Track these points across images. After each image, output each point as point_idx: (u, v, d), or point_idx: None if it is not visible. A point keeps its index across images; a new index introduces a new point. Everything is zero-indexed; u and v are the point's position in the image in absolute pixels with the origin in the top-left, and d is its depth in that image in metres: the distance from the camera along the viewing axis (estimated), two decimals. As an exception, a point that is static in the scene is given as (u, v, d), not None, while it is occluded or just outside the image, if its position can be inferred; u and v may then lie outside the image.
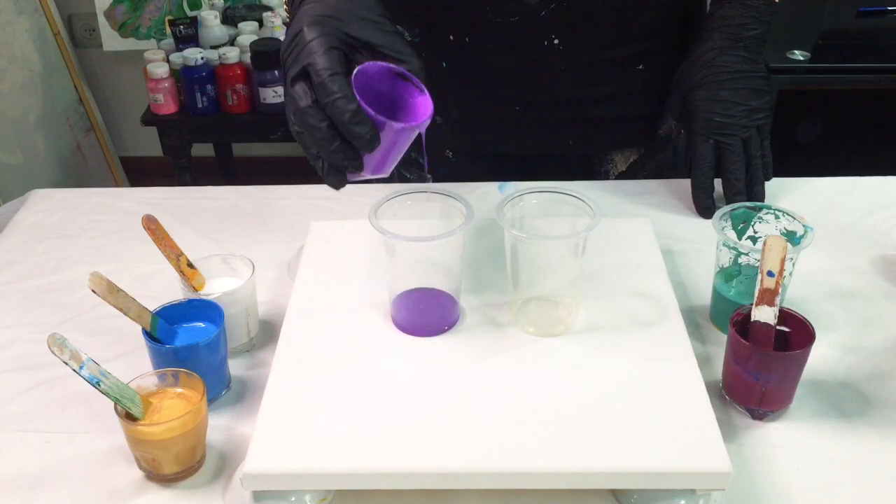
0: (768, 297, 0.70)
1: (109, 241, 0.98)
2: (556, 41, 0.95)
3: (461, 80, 1.01)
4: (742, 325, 0.72)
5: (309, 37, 0.69)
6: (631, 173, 1.09)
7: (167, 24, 2.31)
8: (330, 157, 0.69)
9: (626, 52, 0.99)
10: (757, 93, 0.96)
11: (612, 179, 1.09)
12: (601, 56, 0.98)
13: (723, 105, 0.95)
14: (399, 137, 0.69)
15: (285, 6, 0.78)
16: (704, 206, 0.98)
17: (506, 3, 0.93)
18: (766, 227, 0.82)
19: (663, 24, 0.99)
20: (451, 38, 0.98)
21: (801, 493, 0.67)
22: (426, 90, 0.71)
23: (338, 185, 0.71)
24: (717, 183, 0.99)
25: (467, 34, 0.97)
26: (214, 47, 2.18)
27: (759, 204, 0.83)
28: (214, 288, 0.80)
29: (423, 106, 0.71)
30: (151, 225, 0.78)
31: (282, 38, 2.15)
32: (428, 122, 0.69)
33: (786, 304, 0.74)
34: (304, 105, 0.68)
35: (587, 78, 0.99)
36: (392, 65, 0.71)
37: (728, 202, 0.95)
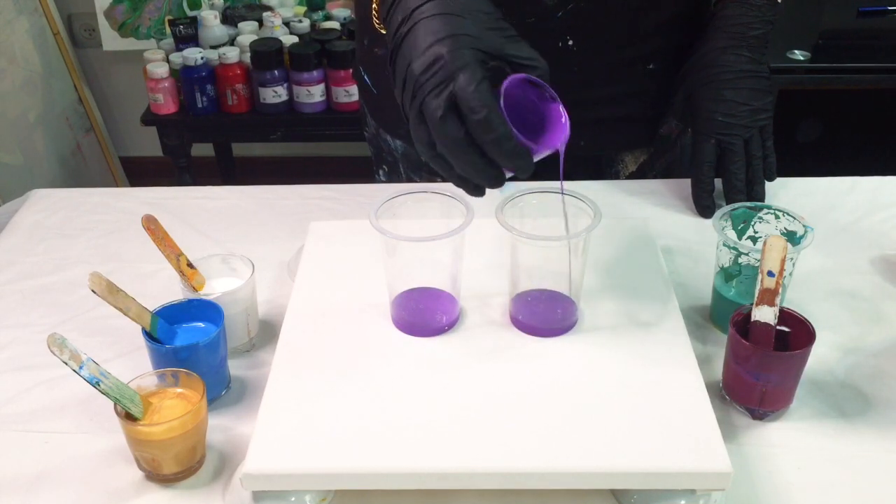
0: (768, 297, 0.70)
1: (109, 241, 0.98)
2: (570, 42, 0.95)
3: None
4: (742, 325, 0.72)
5: (453, 63, 0.65)
6: (640, 173, 1.09)
7: (167, 23, 2.31)
8: (488, 182, 0.68)
9: (637, 51, 0.99)
10: (760, 93, 0.96)
11: (623, 179, 1.09)
12: (613, 56, 0.98)
13: (726, 105, 0.95)
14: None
15: (375, 12, 0.74)
16: (705, 206, 0.98)
17: (523, 4, 0.92)
18: (766, 227, 0.82)
19: (673, 22, 1.00)
20: None
21: (801, 493, 0.67)
22: (557, 97, 0.69)
23: (481, 195, 0.70)
24: (718, 182, 0.99)
25: None
26: (214, 47, 2.17)
27: (759, 204, 0.83)
28: (214, 288, 0.80)
29: (556, 112, 0.70)
30: (151, 225, 0.78)
31: (281, 37, 2.15)
32: (567, 138, 0.69)
33: (786, 304, 0.74)
34: (459, 137, 0.65)
35: (599, 78, 0.99)
36: (525, 74, 0.68)
37: (728, 202, 0.95)
